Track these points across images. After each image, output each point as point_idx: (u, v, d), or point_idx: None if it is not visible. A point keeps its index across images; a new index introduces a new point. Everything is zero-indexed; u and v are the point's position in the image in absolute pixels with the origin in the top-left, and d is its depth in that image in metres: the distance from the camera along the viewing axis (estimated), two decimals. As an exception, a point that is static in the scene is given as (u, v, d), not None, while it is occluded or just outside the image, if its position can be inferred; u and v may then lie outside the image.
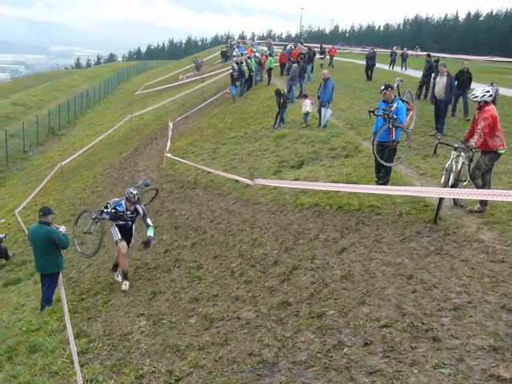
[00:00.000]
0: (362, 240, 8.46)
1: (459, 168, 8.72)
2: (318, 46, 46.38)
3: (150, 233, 10.36)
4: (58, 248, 10.18)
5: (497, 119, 8.73)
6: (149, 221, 10.45)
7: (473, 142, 8.57)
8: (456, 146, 8.81)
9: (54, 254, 10.15)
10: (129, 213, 10.45)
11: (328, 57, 42.24)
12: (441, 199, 8.36)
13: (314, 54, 32.90)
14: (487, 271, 6.44)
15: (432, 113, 17.34)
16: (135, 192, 10.31)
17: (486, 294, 5.87)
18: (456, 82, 17.87)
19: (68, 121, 48.36)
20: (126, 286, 10.03)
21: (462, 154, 8.72)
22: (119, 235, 10.44)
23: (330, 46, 46.57)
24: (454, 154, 8.74)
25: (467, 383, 4.39)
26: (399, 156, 11.42)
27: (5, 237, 16.37)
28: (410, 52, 40.34)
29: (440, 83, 16.76)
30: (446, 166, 8.69)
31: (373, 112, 11.03)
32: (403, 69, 38.51)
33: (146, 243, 10.30)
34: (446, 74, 16.72)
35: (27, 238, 11.15)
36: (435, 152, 9.71)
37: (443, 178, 8.64)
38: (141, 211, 10.41)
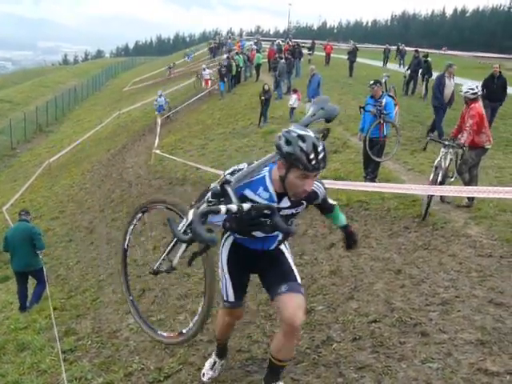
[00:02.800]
0: (350, 235, 8.47)
1: (447, 165, 8.78)
2: (310, 41, 45.70)
3: (343, 219, 4.51)
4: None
5: (483, 116, 8.83)
6: (331, 200, 4.36)
7: (462, 140, 8.61)
8: (446, 143, 8.85)
9: (34, 250, 10.19)
10: (286, 206, 3.83)
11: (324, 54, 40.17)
12: (431, 197, 8.39)
13: (300, 52, 32.68)
14: (475, 266, 6.47)
15: (423, 113, 16.98)
16: (321, 144, 3.52)
17: (473, 288, 5.90)
18: (484, 91, 14.16)
19: (56, 117, 48.09)
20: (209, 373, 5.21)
21: (450, 150, 8.77)
22: (232, 289, 4.48)
23: (325, 42, 43.76)
24: (443, 150, 8.78)
25: (455, 377, 4.41)
26: (387, 151, 11.45)
27: None
28: (407, 48, 39.37)
29: (449, 86, 14.49)
30: (436, 163, 8.74)
31: (363, 108, 11.07)
32: (401, 66, 37.33)
33: (354, 240, 4.48)
34: (453, 76, 14.74)
35: (3, 240, 10.90)
36: (425, 149, 9.75)
37: (432, 175, 8.67)
38: (320, 193, 4.01)
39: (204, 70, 32.96)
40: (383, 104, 10.73)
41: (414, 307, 5.71)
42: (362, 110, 11.16)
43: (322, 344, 5.49)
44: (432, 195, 8.36)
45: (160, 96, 29.97)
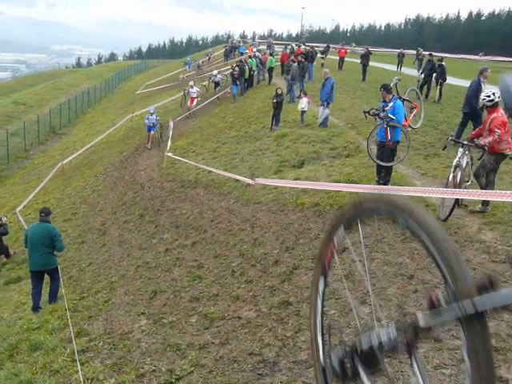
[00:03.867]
0: (362, 240, 8.42)
1: (465, 165, 8.72)
2: (325, 45, 45.29)
3: None
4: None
5: (507, 124, 8.74)
6: None
7: (483, 142, 8.52)
8: (465, 143, 8.80)
9: (52, 250, 10.27)
10: None
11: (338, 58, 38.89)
12: (456, 199, 8.29)
13: (313, 56, 32.50)
14: (489, 272, 6.41)
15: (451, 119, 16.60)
16: None
17: (487, 294, 5.84)
18: None
19: (69, 120, 48.35)
20: None
21: (467, 152, 8.71)
22: None
23: (339, 46, 42.73)
24: (461, 150, 8.73)
25: (469, 384, 4.37)
26: (399, 156, 11.41)
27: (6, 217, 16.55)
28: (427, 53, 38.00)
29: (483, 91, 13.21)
30: (454, 162, 8.68)
31: (368, 112, 11.03)
32: (419, 71, 35.71)
33: None
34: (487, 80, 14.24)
35: (24, 238, 11.03)
36: (444, 149, 9.60)
37: (451, 175, 8.60)
38: None
39: (192, 87, 30.65)
40: (388, 107, 10.68)
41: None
42: (366, 114, 11.13)
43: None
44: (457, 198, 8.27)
45: (152, 114, 26.10)
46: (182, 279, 9.49)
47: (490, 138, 8.52)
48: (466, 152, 8.72)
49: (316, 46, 42.71)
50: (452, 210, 8.25)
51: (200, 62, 56.37)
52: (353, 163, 13.08)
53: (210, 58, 59.84)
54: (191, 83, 31.49)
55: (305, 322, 6.28)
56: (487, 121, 8.87)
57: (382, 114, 10.62)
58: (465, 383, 4.30)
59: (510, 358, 4.61)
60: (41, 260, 10.17)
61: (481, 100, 9.00)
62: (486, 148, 8.64)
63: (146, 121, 25.99)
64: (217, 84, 34.14)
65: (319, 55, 38.28)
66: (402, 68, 37.85)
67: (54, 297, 10.27)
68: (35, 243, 10.17)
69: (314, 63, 32.89)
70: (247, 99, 29.71)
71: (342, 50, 38.89)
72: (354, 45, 62.31)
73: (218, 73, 34.81)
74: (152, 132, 25.54)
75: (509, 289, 1.53)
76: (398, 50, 40.72)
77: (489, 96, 8.85)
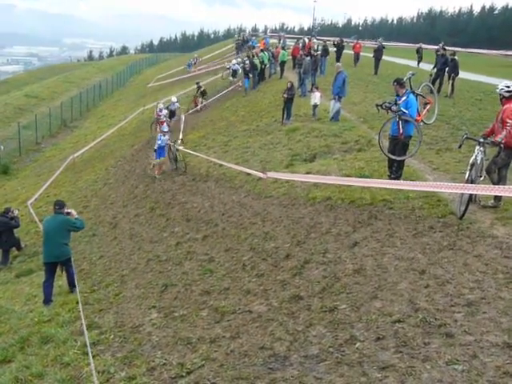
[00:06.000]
0: (374, 234, 8.41)
1: (479, 163, 8.63)
2: (337, 39, 44.72)
3: None
4: (70, 235, 10.38)
5: None
6: None
7: (498, 138, 8.42)
8: (481, 140, 8.68)
9: (67, 241, 10.36)
10: None
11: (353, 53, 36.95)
12: (470, 195, 8.20)
13: (326, 50, 32.16)
14: (501, 267, 6.37)
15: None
16: None
17: (499, 290, 5.81)
18: None
19: (80, 113, 48.49)
20: None
21: (481, 149, 8.61)
22: None
23: (355, 41, 39.70)
24: (478, 148, 8.62)
25: (481, 380, 4.35)
26: (410, 151, 11.34)
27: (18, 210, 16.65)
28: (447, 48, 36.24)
29: None
30: (471, 160, 8.58)
31: (381, 106, 10.95)
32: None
33: None
34: None
35: (43, 229, 11.13)
36: (460, 147, 9.48)
37: (467, 173, 8.51)
38: None
39: (161, 110, 25.86)
40: (400, 101, 10.61)
41: (438, 308, 5.65)
42: (378, 108, 11.05)
43: (345, 343, 5.46)
44: (471, 194, 8.19)
45: (164, 134, 19.57)
46: (192, 273, 9.51)
47: (503, 132, 8.41)
48: (481, 149, 8.61)
49: (327, 40, 42.30)
50: (467, 208, 8.18)
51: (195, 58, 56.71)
52: (364, 157, 13.02)
53: (195, 63, 56.91)
54: (160, 106, 27.14)
55: (316, 316, 6.28)
56: (499, 113, 8.75)
57: (394, 108, 10.55)
58: (477, 379, 4.31)
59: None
60: (56, 251, 10.22)
61: (498, 90, 8.84)
62: (502, 145, 8.52)
63: (159, 141, 19.24)
64: (172, 113, 28.59)
65: (333, 49, 37.51)
66: (421, 63, 36.40)
67: (72, 285, 10.32)
68: (51, 235, 10.24)
69: (328, 57, 32.48)
70: (259, 93, 29.67)
71: (357, 45, 37.08)
72: (380, 39, 61.67)
73: (177, 101, 30.23)
74: (163, 158, 19.28)
75: None
76: (415, 45, 39.49)
77: (508, 86, 8.69)
